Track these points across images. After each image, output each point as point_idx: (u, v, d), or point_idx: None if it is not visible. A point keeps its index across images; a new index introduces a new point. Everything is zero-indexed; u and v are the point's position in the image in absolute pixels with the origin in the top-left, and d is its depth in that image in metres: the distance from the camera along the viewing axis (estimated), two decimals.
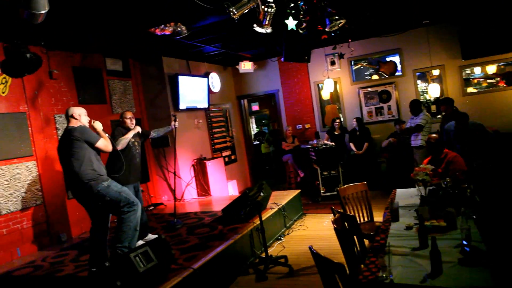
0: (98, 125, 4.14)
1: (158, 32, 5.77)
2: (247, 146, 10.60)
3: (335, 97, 9.43)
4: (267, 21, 5.26)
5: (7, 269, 4.73)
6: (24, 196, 5.41)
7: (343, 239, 3.16)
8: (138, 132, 5.01)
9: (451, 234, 2.93)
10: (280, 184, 9.52)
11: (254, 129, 14.12)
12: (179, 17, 5.51)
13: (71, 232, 5.98)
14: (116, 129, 4.82)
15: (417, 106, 6.78)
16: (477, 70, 8.46)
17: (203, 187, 8.01)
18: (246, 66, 9.25)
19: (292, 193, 6.90)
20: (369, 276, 2.45)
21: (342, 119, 9.16)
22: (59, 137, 4.67)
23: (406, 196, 4.29)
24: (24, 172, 5.46)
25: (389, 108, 8.84)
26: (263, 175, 11.00)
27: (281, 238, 5.79)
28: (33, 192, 5.52)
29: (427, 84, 8.71)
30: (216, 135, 9.19)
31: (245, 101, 10.64)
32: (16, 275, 4.48)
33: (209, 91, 8.77)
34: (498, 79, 8.28)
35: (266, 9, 4.64)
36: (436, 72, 8.53)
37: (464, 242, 2.60)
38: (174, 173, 6.73)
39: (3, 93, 5.35)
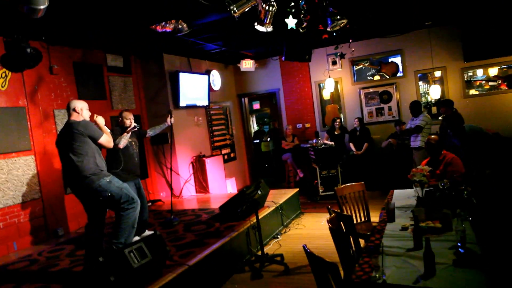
0: (101, 120, 4.10)
1: (159, 29, 5.76)
2: (247, 144, 10.60)
3: (336, 97, 9.41)
4: (268, 20, 5.25)
5: (3, 263, 4.73)
6: (22, 190, 5.42)
7: (337, 239, 3.15)
8: (135, 132, 5.03)
9: (446, 236, 2.91)
10: (279, 183, 9.52)
11: (254, 127, 14.11)
12: (181, 14, 5.51)
13: (68, 227, 5.99)
14: (114, 129, 4.81)
15: (417, 107, 6.76)
16: (479, 73, 8.44)
17: (202, 184, 8.01)
18: (247, 65, 9.24)
19: (290, 192, 6.89)
20: (362, 276, 2.44)
21: (342, 119, 9.15)
22: (59, 131, 4.64)
23: (403, 196, 4.29)
24: (22, 167, 5.46)
25: (389, 109, 8.83)
26: (263, 174, 11.00)
27: (278, 236, 5.79)
28: (30, 187, 5.53)
29: (428, 85, 8.69)
30: (216, 133, 9.19)
31: (246, 99, 10.64)
32: (12, 269, 4.48)
33: (210, 88, 8.76)
34: (500, 81, 8.25)
35: (267, 7, 4.63)
36: (437, 73, 8.51)
37: (459, 244, 2.59)
38: (171, 168, 6.72)
39: (3, 87, 5.35)
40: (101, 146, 4.00)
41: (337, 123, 8.73)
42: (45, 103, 5.89)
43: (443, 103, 7.00)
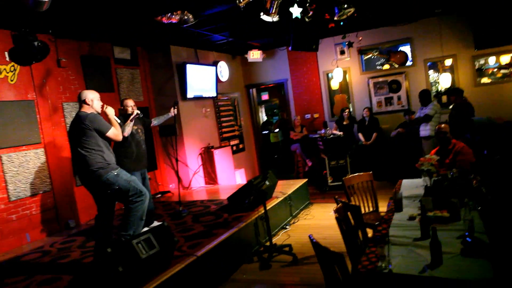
0: (111, 111, 4.07)
1: (165, 20, 5.74)
2: (255, 135, 10.59)
3: (344, 87, 9.34)
4: (274, 10, 5.22)
5: (16, 254, 4.83)
6: (33, 183, 5.49)
7: (344, 229, 3.15)
8: (140, 119, 5.05)
9: (454, 225, 2.89)
10: (288, 174, 9.51)
11: (263, 118, 14.10)
12: (186, 5, 5.48)
13: (79, 219, 6.06)
14: (118, 118, 4.83)
15: (426, 96, 6.68)
16: (492, 60, 8.28)
17: (210, 176, 8.04)
18: (254, 55, 9.19)
19: (299, 182, 6.89)
20: (368, 265, 2.44)
21: (351, 109, 9.08)
22: (69, 123, 4.65)
23: (411, 186, 4.25)
24: (33, 159, 5.53)
25: (399, 98, 8.74)
26: (272, 164, 10.99)
27: (287, 227, 5.80)
28: (41, 179, 5.60)
29: (438, 74, 8.57)
30: (224, 124, 9.19)
31: (254, 90, 10.61)
32: (25, 260, 4.57)
33: (217, 80, 8.75)
34: None
35: None
36: (448, 62, 8.38)
37: (466, 233, 2.57)
38: (177, 159, 6.73)
39: (12, 81, 5.40)
40: (109, 139, 4.00)
41: (346, 113, 8.67)
42: (54, 96, 5.94)
43: (453, 91, 6.91)
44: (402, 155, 7.74)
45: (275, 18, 5.23)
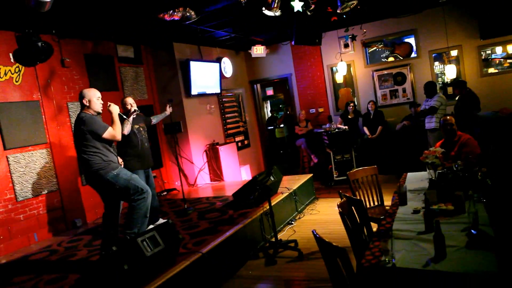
0: (114, 109, 4.00)
1: (167, 17, 5.74)
2: (260, 131, 10.58)
3: (349, 80, 9.28)
4: (275, 4, 5.20)
5: (24, 254, 4.88)
6: (39, 183, 5.54)
7: (347, 224, 3.14)
8: (141, 118, 5.07)
9: (459, 218, 2.86)
10: (294, 169, 9.50)
11: (268, 113, 14.08)
12: (188, 2, 5.47)
13: (86, 218, 6.11)
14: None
15: (431, 88, 6.61)
16: (499, 50, 8.18)
17: (216, 172, 8.06)
18: (258, 51, 9.16)
19: (304, 178, 6.88)
20: (372, 260, 2.42)
21: (356, 103, 9.04)
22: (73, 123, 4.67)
23: (416, 179, 4.22)
24: (39, 159, 5.57)
25: (404, 90, 8.67)
26: (277, 160, 11.00)
27: (292, 222, 5.80)
28: (48, 179, 5.65)
29: (444, 65, 8.48)
30: (228, 120, 9.19)
31: (258, 85, 10.59)
32: (33, 259, 4.62)
33: (221, 76, 8.74)
34: None
35: None
36: (454, 53, 8.29)
37: (471, 226, 2.55)
38: (177, 157, 6.73)
39: (17, 82, 5.44)
40: (108, 140, 3.95)
41: (351, 106, 8.63)
42: (59, 96, 5.97)
43: (456, 84, 6.87)
44: (408, 148, 7.69)
45: (277, 13, 5.21)
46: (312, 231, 2.63)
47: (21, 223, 5.28)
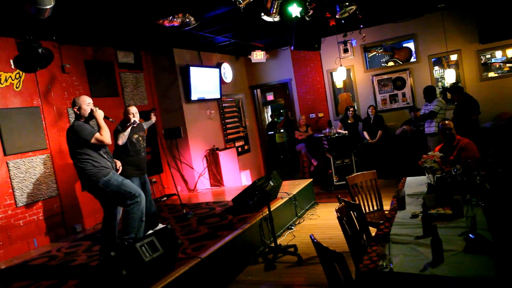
0: (98, 114, 3.98)
1: (166, 23, 5.77)
2: (260, 136, 10.59)
3: (349, 85, 9.30)
4: (274, 10, 5.22)
5: (24, 259, 4.88)
6: (39, 189, 5.54)
7: (345, 228, 3.14)
8: (141, 126, 5.11)
9: (457, 222, 2.86)
10: (294, 174, 9.50)
11: (269, 118, 14.11)
12: (188, 8, 5.50)
13: (85, 223, 6.11)
14: (116, 129, 4.86)
15: (431, 92, 6.63)
16: (498, 54, 8.19)
17: (216, 178, 8.06)
18: (258, 56, 9.20)
19: (304, 183, 6.87)
20: (369, 265, 2.42)
21: (355, 107, 9.05)
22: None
23: (415, 184, 4.23)
24: (39, 165, 5.58)
25: (403, 95, 8.69)
26: (277, 165, 10.99)
27: (292, 227, 5.79)
28: (48, 185, 5.65)
29: (443, 70, 8.50)
30: (228, 126, 9.21)
31: (258, 91, 10.61)
32: (33, 265, 4.62)
33: (221, 81, 8.77)
34: None
35: None
36: (453, 57, 8.31)
37: (469, 230, 2.55)
38: (175, 162, 6.74)
39: (17, 88, 5.46)
40: (98, 145, 3.94)
41: (351, 111, 8.63)
42: (59, 102, 5.99)
43: (452, 91, 6.90)
44: (408, 152, 7.69)
45: (276, 18, 5.23)
46: (310, 236, 2.63)
47: (20, 228, 5.28)
